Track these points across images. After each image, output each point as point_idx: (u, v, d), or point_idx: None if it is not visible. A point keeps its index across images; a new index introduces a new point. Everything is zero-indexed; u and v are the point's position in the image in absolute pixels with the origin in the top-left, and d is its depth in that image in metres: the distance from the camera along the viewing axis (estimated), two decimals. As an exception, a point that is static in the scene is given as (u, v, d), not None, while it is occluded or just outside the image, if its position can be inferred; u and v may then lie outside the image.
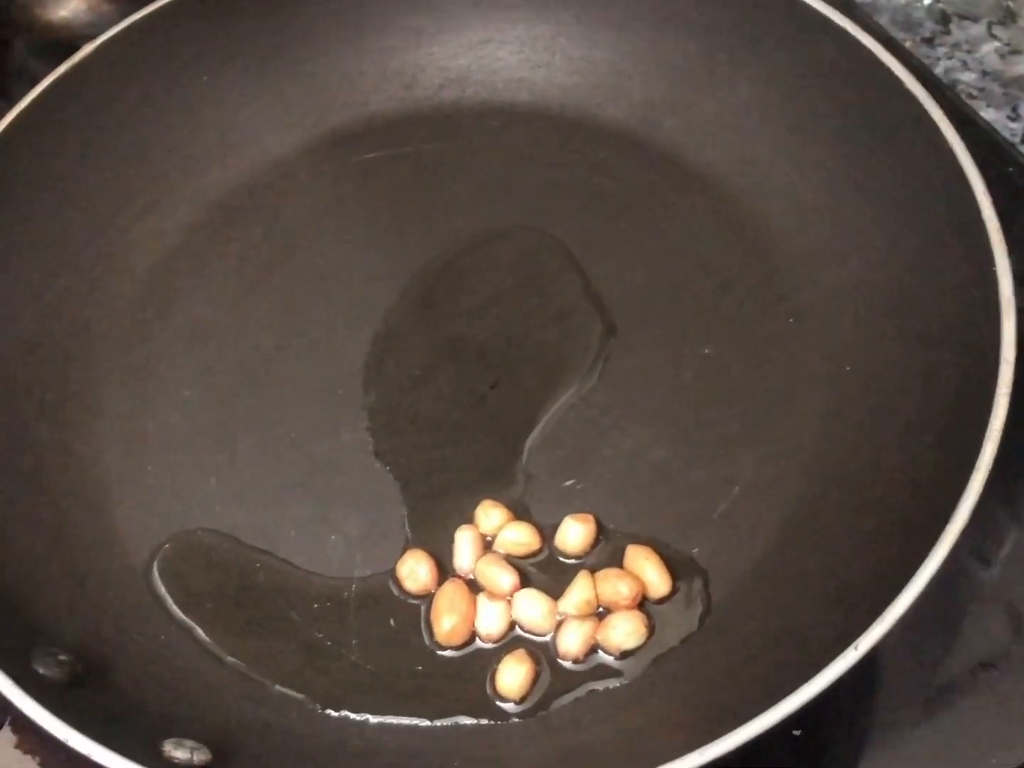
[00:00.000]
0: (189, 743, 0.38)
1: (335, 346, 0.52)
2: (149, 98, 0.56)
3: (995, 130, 0.62)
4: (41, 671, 0.40)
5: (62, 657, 0.40)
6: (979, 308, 0.43)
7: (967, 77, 0.69)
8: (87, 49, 0.54)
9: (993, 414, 0.39)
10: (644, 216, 0.55)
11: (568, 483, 0.47)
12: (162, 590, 0.46)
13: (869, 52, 0.50)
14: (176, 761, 0.38)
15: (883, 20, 0.71)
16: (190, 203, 0.57)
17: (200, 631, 0.44)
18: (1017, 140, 0.65)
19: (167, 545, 0.47)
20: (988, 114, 0.66)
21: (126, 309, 0.54)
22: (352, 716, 0.42)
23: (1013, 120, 0.66)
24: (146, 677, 0.42)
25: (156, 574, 0.46)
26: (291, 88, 0.59)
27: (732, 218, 0.53)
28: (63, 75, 0.53)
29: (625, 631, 0.42)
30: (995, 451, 0.38)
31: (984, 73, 0.69)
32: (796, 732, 0.44)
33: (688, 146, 0.56)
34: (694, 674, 0.42)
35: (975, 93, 0.68)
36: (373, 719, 0.42)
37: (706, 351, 0.50)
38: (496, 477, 0.47)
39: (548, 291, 0.53)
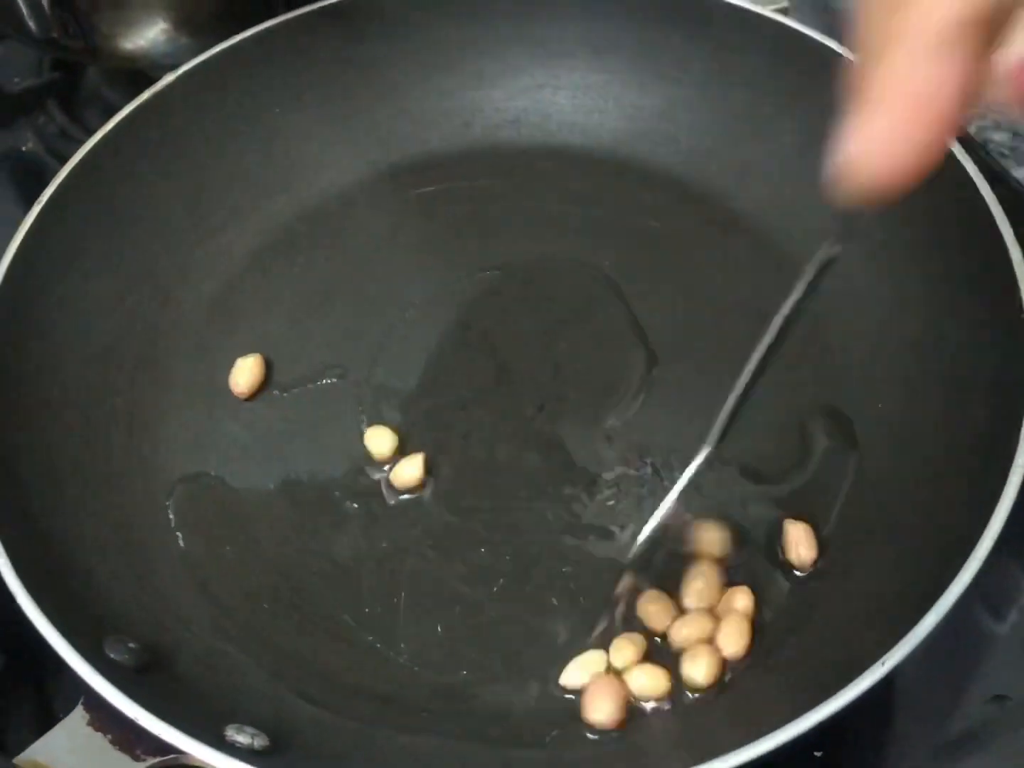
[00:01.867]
0: (249, 729, 0.40)
1: (390, 367, 0.55)
2: (223, 128, 0.60)
3: None
4: (112, 656, 0.42)
5: (131, 645, 0.43)
6: (1008, 353, 0.45)
7: (999, 137, 0.71)
8: (168, 79, 0.58)
9: (1018, 452, 0.41)
10: (687, 255, 0.57)
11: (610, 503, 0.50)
12: (221, 591, 0.48)
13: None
14: (237, 744, 0.40)
15: None
16: (258, 228, 0.60)
17: (257, 629, 0.47)
18: None
19: (227, 547, 0.50)
20: (1019, 173, 0.68)
21: (194, 324, 0.57)
22: (401, 716, 0.44)
23: None
24: (208, 668, 0.44)
25: (217, 577, 0.49)
26: (357, 124, 0.62)
27: (771, 260, 0.56)
28: (145, 102, 0.57)
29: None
30: (1017, 488, 0.41)
31: (1015, 134, 0.71)
32: (818, 753, 0.46)
33: (732, 190, 0.59)
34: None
35: (1006, 152, 0.70)
36: (422, 716, 0.44)
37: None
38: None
39: (594, 322, 0.55)
